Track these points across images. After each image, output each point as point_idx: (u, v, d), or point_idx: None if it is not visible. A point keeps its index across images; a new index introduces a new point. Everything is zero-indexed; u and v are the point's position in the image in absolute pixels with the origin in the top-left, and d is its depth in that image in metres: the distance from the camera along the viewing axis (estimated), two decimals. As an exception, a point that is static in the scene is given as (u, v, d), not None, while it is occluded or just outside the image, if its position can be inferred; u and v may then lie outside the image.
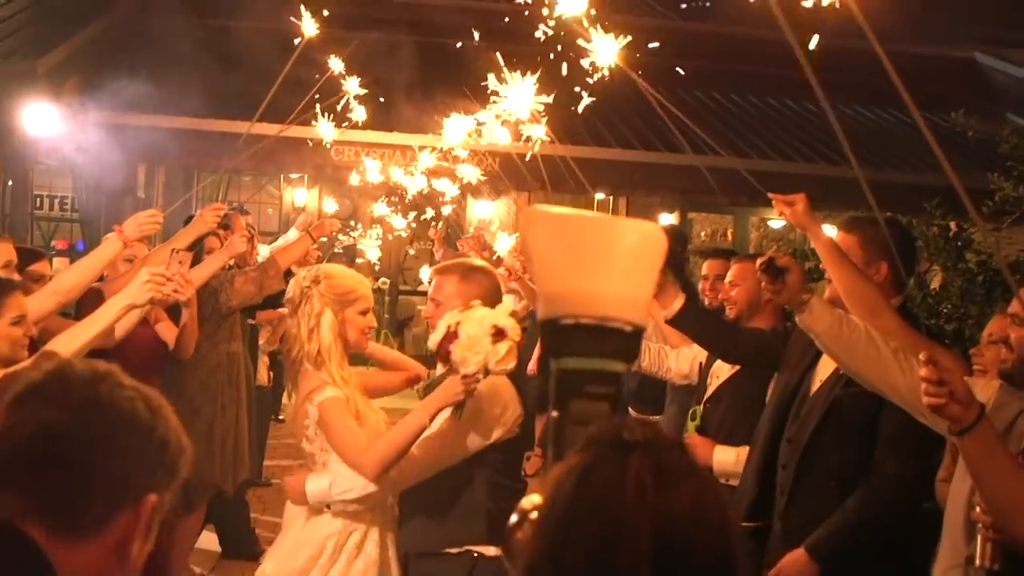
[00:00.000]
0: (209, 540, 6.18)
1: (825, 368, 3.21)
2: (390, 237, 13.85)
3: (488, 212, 12.52)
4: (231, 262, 5.42)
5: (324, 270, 3.36)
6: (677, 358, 4.25)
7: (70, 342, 3.24)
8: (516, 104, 4.04)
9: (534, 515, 1.11)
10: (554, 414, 1.16)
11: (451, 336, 2.94)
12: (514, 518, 1.14)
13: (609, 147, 11.48)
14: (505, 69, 3.85)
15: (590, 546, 1.02)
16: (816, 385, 3.22)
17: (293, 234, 6.64)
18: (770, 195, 3.07)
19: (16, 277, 3.80)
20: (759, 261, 2.87)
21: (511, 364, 2.89)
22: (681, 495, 1.04)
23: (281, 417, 10.13)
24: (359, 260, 14.82)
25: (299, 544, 3.19)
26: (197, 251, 4.86)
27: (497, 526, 2.94)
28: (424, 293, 14.79)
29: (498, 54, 3.96)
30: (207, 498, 5.48)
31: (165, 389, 4.81)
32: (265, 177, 14.17)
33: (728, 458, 3.62)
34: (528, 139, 4.72)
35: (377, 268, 14.54)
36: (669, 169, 11.37)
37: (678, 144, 11.72)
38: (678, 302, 3.61)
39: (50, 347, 3.19)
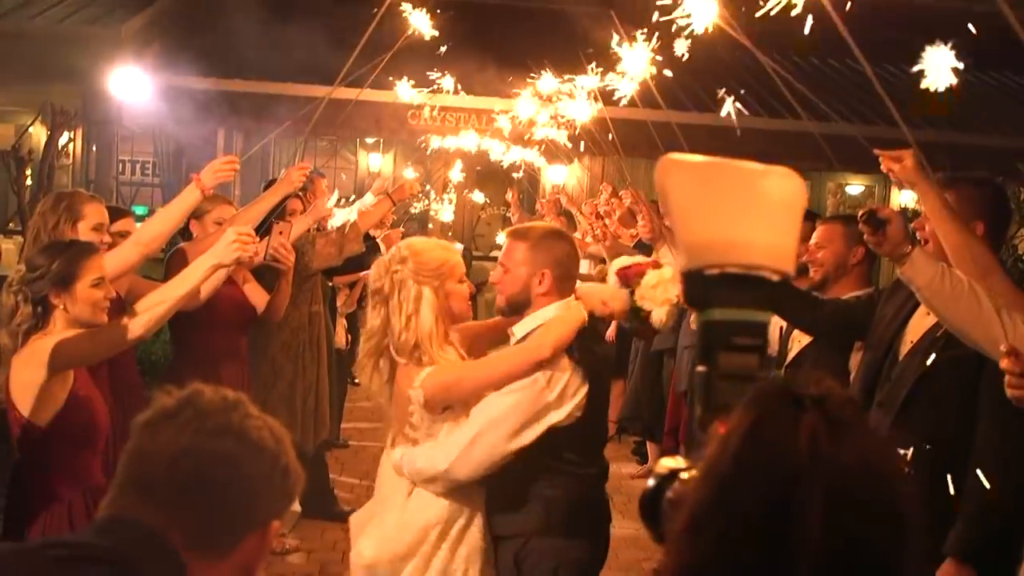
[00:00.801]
0: (289, 499, 6.27)
1: (916, 330, 3.13)
2: (463, 192, 13.85)
3: (562, 177, 12.44)
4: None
5: (409, 248, 3.13)
6: None
7: (157, 302, 3.29)
8: (633, 64, 4.04)
9: (686, 475, 1.09)
10: (701, 368, 1.13)
11: (641, 269, 3.03)
12: (652, 481, 1.13)
13: (685, 110, 11.34)
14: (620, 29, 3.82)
15: (762, 499, 1.00)
16: (906, 348, 3.15)
17: (369, 199, 6.68)
18: (876, 151, 2.98)
19: (106, 239, 3.85)
20: (860, 212, 2.78)
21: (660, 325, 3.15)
22: (853, 449, 1.03)
23: (357, 381, 10.21)
24: (430, 226, 14.90)
25: (401, 527, 3.02)
26: (279, 213, 4.89)
27: (553, 512, 2.98)
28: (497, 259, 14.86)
29: (613, 14, 3.92)
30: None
31: (249, 350, 4.91)
32: (341, 142, 14.25)
33: None
34: (613, 95, 4.66)
35: (450, 233, 14.58)
36: (744, 133, 11.18)
37: (754, 108, 11.61)
38: None
39: (137, 307, 3.25)
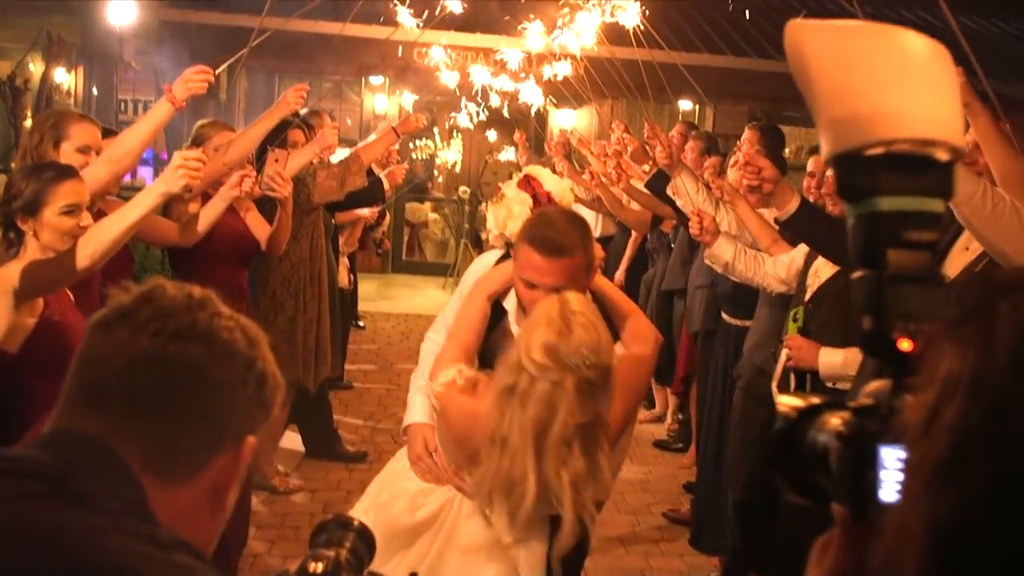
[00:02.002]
0: (293, 440, 6.19)
1: (954, 265, 2.97)
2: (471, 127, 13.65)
3: (570, 121, 12.22)
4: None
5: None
6: (775, 264, 4.04)
7: (104, 231, 3.06)
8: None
9: (892, 403, 0.87)
10: (860, 274, 0.91)
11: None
12: (782, 423, 0.92)
13: (697, 51, 11.10)
14: None
15: None
16: (949, 276, 3.00)
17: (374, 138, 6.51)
18: None
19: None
20: None
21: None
22: None
23: (361, 323, 10.14)
24: (436, 172, 14.69)
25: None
26: (280, 142, 4.73)
27: None
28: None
29: None
30: (290, 395, 5.44)
31: (250, 283, 4.77)
32: (345, 83, 14.01)
33: (835, 360, 3.41)
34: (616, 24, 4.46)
35: (458, 172, 14.40)
36: (758, 77, 10.99)
37: (768, 50, 11.37)
38: (793, 203, 3.39)
39: (84, 237, 3.02)
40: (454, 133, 14.01)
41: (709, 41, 11.49)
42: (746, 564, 4.59)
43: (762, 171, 3.38)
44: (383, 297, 12.17)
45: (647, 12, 4.75)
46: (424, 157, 14.46)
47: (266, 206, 4.69)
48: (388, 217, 9.21)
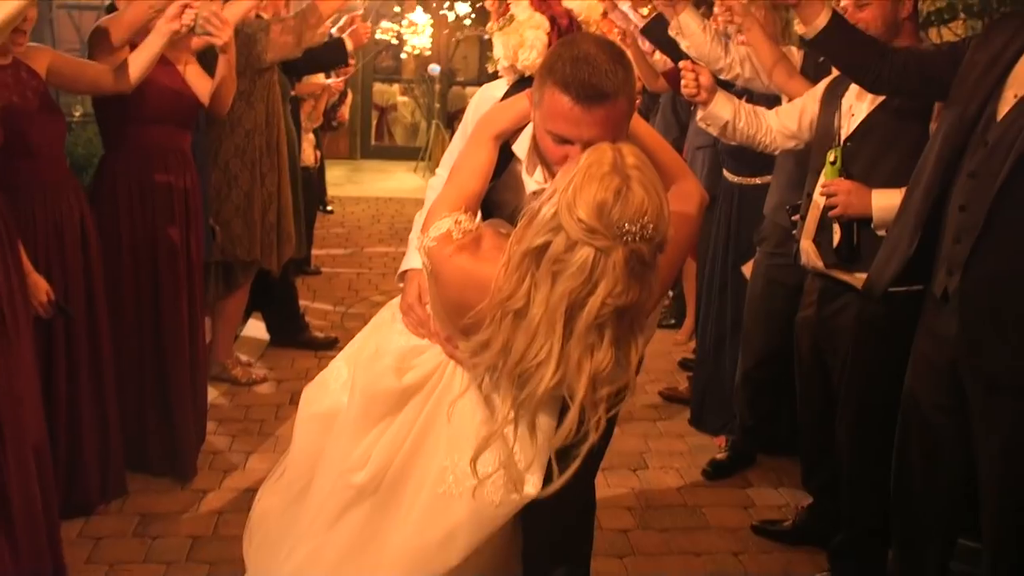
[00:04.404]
0: (256, 328, 5.74)
1: (1022, 82, 2.49)
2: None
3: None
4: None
5: None
6: (780, 116, 3.53)
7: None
8: None
9: None
10: None
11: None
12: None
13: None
14: None
15: None
16: (1007, 105, 2.50)
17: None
18: None
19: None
20: None
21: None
22: None
23: (329, 208, 9.62)
24: (403, 56, 13.93)
25: None
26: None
27: None
28: (475, 83, 14.00)
29: None
30: (249, 277, 4.97)
31: (198, 152, 4.23)
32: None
33: (892, 202, 2.91)
34: None
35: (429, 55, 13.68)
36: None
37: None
38: (823, 17, 2.86)
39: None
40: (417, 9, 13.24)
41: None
42: (754, 443, 4.22)
43: None
44: (352, 182, 11.63)
45: None
46: (391, 40, 13.72)
47: (211, 62, 4.13)
48: (350, 95, 8.58)
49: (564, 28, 2.51)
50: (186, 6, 3.49)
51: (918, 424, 2.76)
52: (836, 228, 3.12)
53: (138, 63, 3.57)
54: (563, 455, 1.97)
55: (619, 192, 1.81)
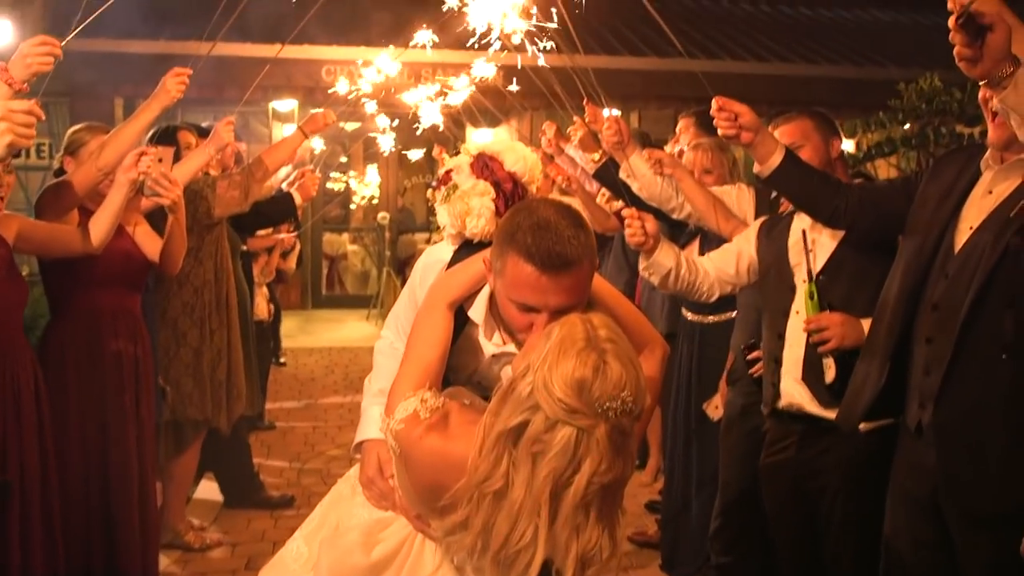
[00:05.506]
0: (208, 489, 5.54)
1: (976, 213, 2.50)
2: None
3: (488, 139, 11.76)
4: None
5: None
6: (715, 261, 3.46)
7: None
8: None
9: None
10: None
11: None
12: None
13: (618, 55, 10.71)
14: None
15: None
16: (964, 236, 2.50)
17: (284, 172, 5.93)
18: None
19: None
20: (956, 14, 2.00)
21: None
22: None
23: (283, 360, 9.49)
24: (352, 206, 14.02)
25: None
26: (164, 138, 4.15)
27: None
28: (425, 228, 14.10)
29: None
30: (199, 437, 4.81)
31: (147, 311, 4.14)
32: (251, 112, 13.36)
33: None
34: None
35: (376, 203, 13.77)
36: (683, 78, 10.63)
37: (692, 50, 11.03)
38: (777, 155, 2.87)
39: None
40: (366, 164, 13.40)
41: (629, 44, 11.12)
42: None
43: (739, 117, 2.85)
44: (304, 332, 11.52)
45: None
46: (339, 189, 13.83)
47: (160, 221, 4.08)
48: (298, 245, 8.58)
49: (509, 192, 2.46)
50: (142, 153, 3.47)
51: (901, 561, 2.67)
52: (830, 364, 3.01)
53: (102, 221, 3.54)
54: None
55: (597, 369, 1.76)
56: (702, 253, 3.81)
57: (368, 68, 5.29)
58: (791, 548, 3.35)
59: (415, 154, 10.08)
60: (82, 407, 3.69)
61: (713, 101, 2.86)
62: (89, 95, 10.01)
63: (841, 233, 3.04)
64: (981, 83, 2.14)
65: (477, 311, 2.24)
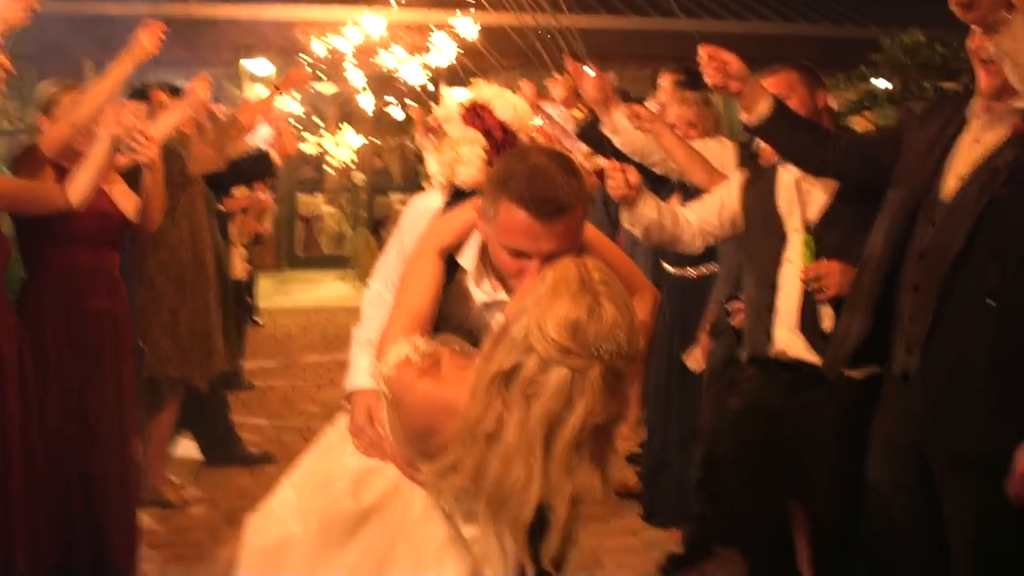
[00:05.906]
0: (187, 447, 5.53)
1: (963, 161, 2.51)
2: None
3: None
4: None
5: None
6: (696, 212, 3.41)
7: None
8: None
9: None
10: None
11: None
12: None
13: (596, 13, 10.65)
14: None
15: None
16: (952, 184, 2.51)
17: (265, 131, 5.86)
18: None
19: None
20: None
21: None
22: None
23: (259, 321, 9.47)
24: (328, 168, 13.94)
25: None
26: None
27: None
28: (400, 189, 14.03)
29: None
30: (178, 395, 4.81)
31: (124, 270, 4.10)
32: (225, 75, 13.22)
33: None
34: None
35: (353, 167, 13.71)
36: (662, 37, 10.59)
37: (671, 8, 10.97)
38: (765, 104, 2.86)
39: None
40: (340, 125, 13.28)
41: (607, 2, 11.06)
42: (711, 534, 4.12)
43: (727, 65, 2.83)
44: (280, 293, 11.50)
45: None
46: (314, 152, 13.74)
47: (136, 179, 4.04)
48: (274, 206, 8.53)
49: (499, 140, 2.46)
50: (124, 108, 3.44)
51: (884, 508, 2.70)
52: (828, 312, 2.99)
53: (84, 178, 3.49)
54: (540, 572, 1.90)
55: (591, 310, 1.77)
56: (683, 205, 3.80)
57: (351, 29, 5.26)
58: (764, 501, 3.32)
59: (398, 113, 10.06)
60: (61, 366, 3.67)
61: (701, 49, 2.84)
62: (59, 58, 9.82)
63: (834, 184, 3.03)
64: (975, 28, 2.15)
65: (468, 258, 2.24)
